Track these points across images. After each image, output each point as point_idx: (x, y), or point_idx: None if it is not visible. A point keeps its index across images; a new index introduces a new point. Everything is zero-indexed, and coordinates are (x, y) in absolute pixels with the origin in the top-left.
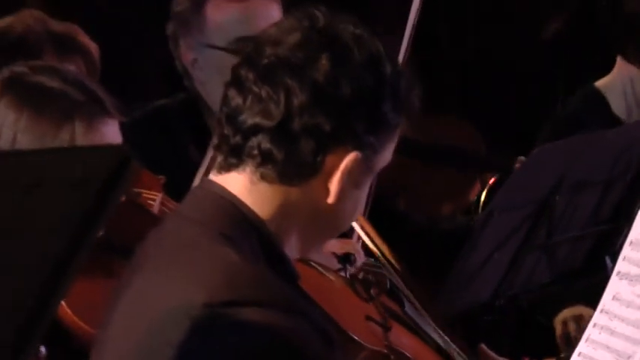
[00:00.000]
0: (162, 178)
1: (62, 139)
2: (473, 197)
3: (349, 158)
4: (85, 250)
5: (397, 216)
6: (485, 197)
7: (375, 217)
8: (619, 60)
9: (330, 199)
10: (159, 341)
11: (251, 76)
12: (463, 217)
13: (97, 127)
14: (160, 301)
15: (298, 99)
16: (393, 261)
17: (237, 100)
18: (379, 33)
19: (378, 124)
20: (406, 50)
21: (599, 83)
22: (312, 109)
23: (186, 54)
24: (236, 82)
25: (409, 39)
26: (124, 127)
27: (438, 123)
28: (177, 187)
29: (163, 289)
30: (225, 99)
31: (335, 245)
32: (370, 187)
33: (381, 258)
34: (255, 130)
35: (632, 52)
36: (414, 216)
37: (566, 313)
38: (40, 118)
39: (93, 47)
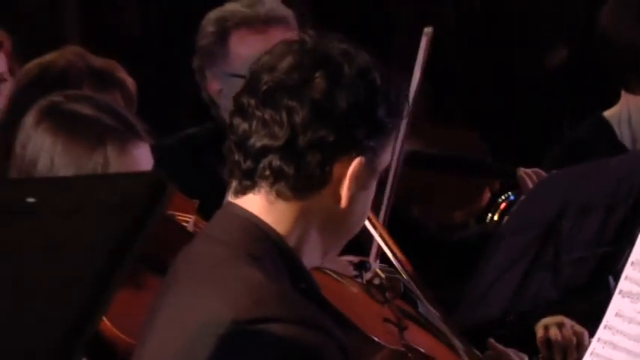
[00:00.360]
0: (196, 202)
1: (96, 161)
2: (483, 204)
3: (354, 164)
4: (124, 269)
5: (412, 224)
6: (498, 216)
7: (391, 225)
8: (623, 91)
9: (343, 204)
10: (190, 357)
11: (253, 102)
12: (476, 225)
13: (129, 150)
14: (190, 319)
15: (300, 117)
16: (404, 263)
17: (243, 126)
18: (395, 67)
19: (376, 129)
20: (419, 81)
21: (607, 113)
22: (314, 125)
23: (212, 84)
24: (239, 110)
25: (421, 72)
26: (156, 155)
27: (448, 135)
28: (210, 210)
29: (193, 306)
30: (232, 127)
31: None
32: (389, 199)
33: (394, 260)
34: (264, 151)
35: (635, 84)
36: (428, 224)
37: (548, 319)
38: (74, 143)
39: (130, 82)
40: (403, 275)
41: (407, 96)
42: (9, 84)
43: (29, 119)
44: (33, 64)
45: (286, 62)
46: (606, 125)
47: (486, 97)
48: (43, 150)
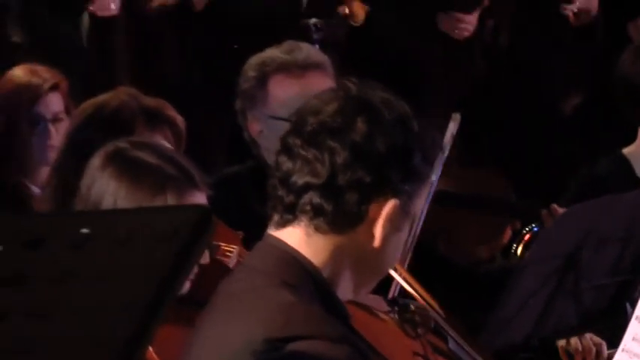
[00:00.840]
0: (240, 234)
1: (156, 204)
2: (505, 241)
3: (389, 206)
4: (171, 297)
5: (438, 259)
6: (522, 247)
7: (418, 260)
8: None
9: (376, 243)
10: None
11: (298, 142)
12: (501, 260)
13: (187, 198)
14: (226, 341)
15: (341, 158)
16: (433, 303)
17: (287, 164)
18: (430, 116)
19: (411, 174)
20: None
21: (626, 150)
22: (354, 166)
23: (253, 125)
24: (285, 149)
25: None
26: None
27: (474, 176)
28: (249, 244)
29: (229, 330)
30: (277, 165)
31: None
32: (414, 235)
33: (421, 301)
34: (306, 188)
35: None
36: (454, 259)
37: None
38: (137, 188)
39: (179, 119)
40: (434, 312)
41: (441, 146)
42: (65, 123)
43: (95, 162)
44: (88, 104)
45: (331, 107)
46: (625, 162)
47: (510, 139)
48: (107, 193)
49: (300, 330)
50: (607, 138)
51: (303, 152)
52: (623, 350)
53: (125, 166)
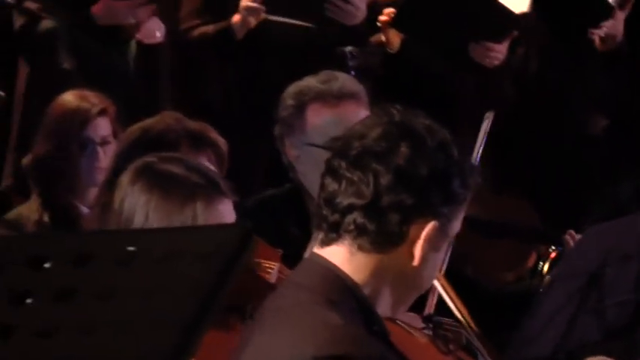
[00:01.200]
0: (279, 251)
1: (186, 215)
2: (530, 265)
3: (429, 227)
4: (213, 312)
5: (467, 281)
6: (548, 268)
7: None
8: None
9: (415, 263)
10: None
11: (343, 164)
12: (527, 282)
13: (215, 205)
14: (273, 353)
15: (385, 180)
16: (468, 319)
17: (332, 185)
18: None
19: (450, 197)
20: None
21: None
22: (397, 188)
23: (291, 151)
24: (331, 171)
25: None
26: (240, 214)
27: (502, 202)
28: (293, 260)
29: (276, 344)
30: (322, 186)
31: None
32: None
33: (459, 316)
34: (350, 208)
35: None
36: (482, 281)
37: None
38: (166, 199)
39: (222, 142)
40: (466, 329)
41: (479, 172)
42: (112, 146)
43: (125, 178)
44: (135, 128)
45: (376, 132)
46: None
47: (537, 164)
48: (138, 206)
49: (344, 349)
50: (630, 163)
51: (348, 174)
52: None
53: (154, 179)
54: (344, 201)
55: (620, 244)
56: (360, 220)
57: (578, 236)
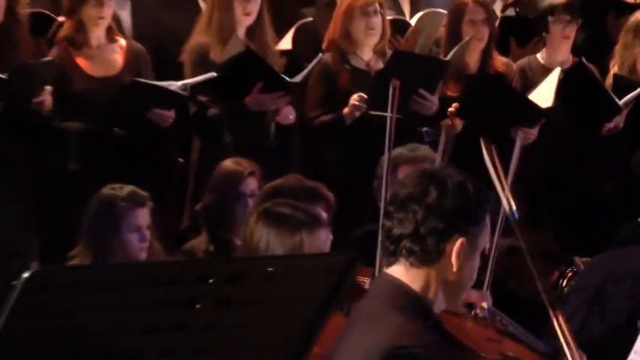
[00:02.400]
0: (371, 270)
1: (295, 241)
2: (553, 279)
3: (459, 242)
4: (328, 317)
5: (509, 292)
6: (566, 284)
7: (496, 293)
8: None
9: (454, 270)
10: None
11: (392, 208)
12: (551, 292)
13: (315, 233)
14: (359, 348)
15: (420, 215)
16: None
17: (388, 224)
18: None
19: (472, 219)
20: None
21: None
22: (430, 219)
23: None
24: (386, 214)
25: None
26: (350, 240)
27: (532, 235)
28: None
29: (360, 340)
30: (383, 226)
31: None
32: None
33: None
34: (401, 238)
35: None
36: (519, 291)
37: None
38: (280, 231)
39: (331, 196)
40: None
41: (490, 198)
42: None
43: (252, 219)
44: (268, 187)
45: (413, 182)
46: None
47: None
48: (262, 238)
49: (410, 341)
50: (629, 213)
51: (396, 214)
52: (635, 352)
53: (271, 218)
54: (396, 233)
55: (618, 267)
56: (408, 245)
57: (584, 259)
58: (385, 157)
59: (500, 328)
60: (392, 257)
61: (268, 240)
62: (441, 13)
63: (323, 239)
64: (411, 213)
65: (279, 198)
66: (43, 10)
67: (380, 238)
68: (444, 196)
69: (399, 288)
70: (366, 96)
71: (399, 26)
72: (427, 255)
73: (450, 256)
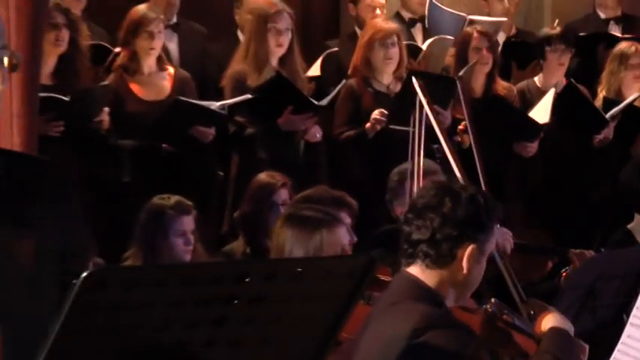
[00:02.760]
0: (389, 270)
1: (316, 239)
2: (547, 270)
3: (470, 248)
4: (349, 312)
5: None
6: (562, 282)
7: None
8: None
9: (464, 272)
10: (388, 353)
11: (411, 216)
12: (547, 283)
13: (334, 230)
14: (383, 332)
15: (436, 223)
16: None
17: (407, 229)
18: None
19: (482, 228)
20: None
21: (629, 225)
22: (445, 227)
23: (397, 209)
24: (406, 221)
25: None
26: (372, 238)
27: (530, 233)
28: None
29: (386, 327)
30: (402, 231)
31: None
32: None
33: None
34: (418, 243)
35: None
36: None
37: None
38: (303, 231)
39: (354, 203)
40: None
41: (499, 210)
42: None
43: (278, 223)
44: (299, 196)
45: (430, 193)
46: (629, 232)
47: (554, 212)
48: (286, 240)
49: (430, 322)
50: (620, 216)
51: (415, 222)
52: (622, 344)
53: (293, 221)
54: (414, 238)
55: (607, 268)
56: (424, 249)
57: (578, 251)
58: (397, 169)
59: (508, 320)
60: (410, 259)
61: (292, 241)
62: (448, 38)
63: (342, 236)
64: (429, 221)
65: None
66: (102, 43)
67: (400, 243)
68: (457, 207)
69: (416, 283)
70: (386, 112)
71: (412, 51)
72: (441, 258)
73: (462, 260)
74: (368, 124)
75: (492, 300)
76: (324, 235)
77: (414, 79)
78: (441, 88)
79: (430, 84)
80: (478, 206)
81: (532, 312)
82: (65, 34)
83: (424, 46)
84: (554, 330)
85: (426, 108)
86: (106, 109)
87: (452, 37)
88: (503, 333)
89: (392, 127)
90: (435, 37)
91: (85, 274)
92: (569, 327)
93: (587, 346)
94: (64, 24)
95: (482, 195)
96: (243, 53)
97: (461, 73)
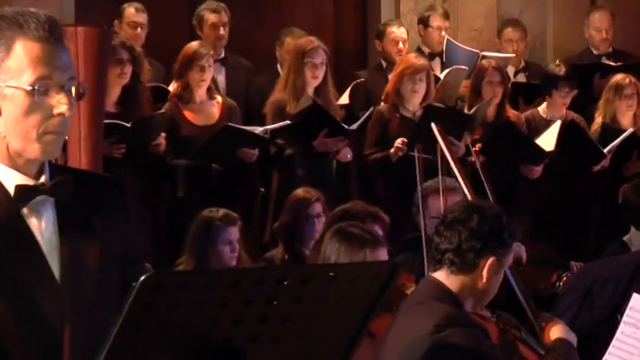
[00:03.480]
0: (412, 276)
1: (360, 257)
2: (552, 280)
3: (490, 260)
4: (374, 313)
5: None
6: (562, 286)
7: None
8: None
9: (484, 281)
10: (414, 349)
11: (442, 228)
12: (550, 290)
13: (377, 251)
14: (408, 330)
15: (464, 235)
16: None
17: (437, 239)
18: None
19: (503, 243)
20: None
21: (625, 237)
22: (471, 239)
23: (421, 221)
24: (436, 232)
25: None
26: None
27: (536, 246)
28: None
29: (411, 324)
30: (432, 241)
31: None
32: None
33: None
34: (446, 251)
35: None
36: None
37: None
38: (348, 247)
39: (385, 218)
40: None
41: (520, 231)
42: (323, 218)
43: (327, 235)
44: (339, 209)
45: (460, 209)
46: (625, 243)
47: (558, 227)
48: (332, 252)
49: (451, 320)
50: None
51: (444, 232)
52: (616, 339)
53: (342, 236)
54: (442, 247)
55: (603, 272)
56: (451, 257)
57: (578, 263)
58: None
59: (516, 334)
60: (437, 265)
61: (339, 253)
62: (463, 69)
63: (382, 256)
64: (457, 232)
65: (347, 219)
66: (160, 84)
67: (431, 252)
68: (484, 223)
69: (440, 287)
70: (406, 140)
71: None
72: (465, 266)
73: (483, 269)
74: (392, 150)
75: (503, 313)
76: (367, 253)
77: (432, 125)
78: (456, 122)
79: (447, 117)
80: (502, 224)
81: (543, 324)
82: (129, 69)
83: (441, 76)
84: (560, 340)
85: (443, 148)
86: (163, 134)
87: (466, 68)
88: (511, 343)
89: (411, 153)
90: (452, 67)
91: (143, 277)
92: (573, 338)
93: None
94: (128, 59)
95: (506, 216)
96: (282, 84)
97: (472, 111)
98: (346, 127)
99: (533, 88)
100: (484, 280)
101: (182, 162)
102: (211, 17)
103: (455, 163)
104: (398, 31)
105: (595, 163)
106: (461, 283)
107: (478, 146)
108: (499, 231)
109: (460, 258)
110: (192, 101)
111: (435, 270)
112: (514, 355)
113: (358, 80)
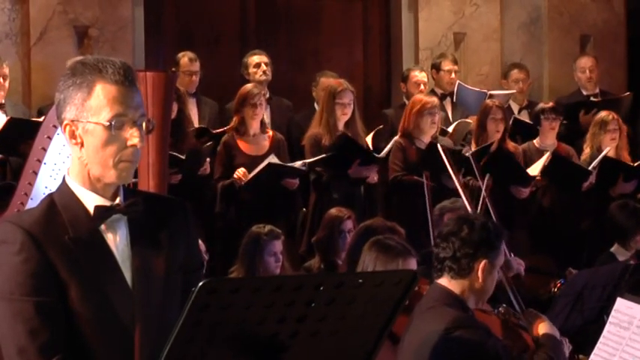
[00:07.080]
0: (428, 281)
1: (393, 265)
2: (551, 287)
3: (483, 263)
4: (396, 315)
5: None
6: (557, 290)
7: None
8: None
9: (480, 281)
10: (424, 350)
11: (439, 240)
12: (549, 295)
13: (408, 261)
14: (420, 332)
15: (456, 245)
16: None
17: (436, 250)
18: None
19: (492, 247)
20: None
21: (612, 249)
22: (463, 247)
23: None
24: (435, 244)
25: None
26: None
27: (535, 257)
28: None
29: (424, 327)
30: (433, 254)
31: None
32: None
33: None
34: (444, 260)
35: (621, 243)
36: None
37: None
38: (386, 256)
39: (402, 231)
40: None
41: (505, 233)
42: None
43: (366, 246)
44: (362, 225)
45: (453, 223)
46: (612, 254)
47: (555, 237)
48: (370, 262)
49: (459, 323)
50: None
51: (442, 244)
52: (603, 337)
53: (379, 247)
54: (441, 256)
55: (592, 279)
56: (449, 264)
57: (575, 271)
58: (440, 205)
59: (515, 322)
60: (439, 272)
61: (376, 262)
62: (468, 122)
63: (412, 265)
64: (451, 243)
65: (370, 233)
66: (204, 126)
67: (432, 261)
68: (473, 232)
69: (446, 292)
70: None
71: (445, 121)
72: (462, 271)
73: (477, 271)
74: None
75: (503, 305)
76: (400, 262)
77: (438, 146)
78: (455, 158)
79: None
80: (488, 231)
81: (529, 319)
82: (175, 106)
83: (450, 128)
84: (546, 335)
85: (447, 167)
86: (208, 159)
87: (471, 121)
88: (514, 331)
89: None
90: (459, 120)
91: (201, 284)
92: (557, 332)
93: (566, 339)
94: (174, 98)
95: (492, 222)
96: (318, 120)
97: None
98: (376, 155)
99: (532, 127)
100: (480, 280)
101: (235, 187)
102: (255, 58)
103: (459, 184)
104: (419, 75)
105: (584, 180)
106: (461, 285)
107: (488, 176)
108: (487, 237)
109: (457, 264)
110: (247, 134)
111: (438, 277)
112: (515, 344)
113: (379, 127)
